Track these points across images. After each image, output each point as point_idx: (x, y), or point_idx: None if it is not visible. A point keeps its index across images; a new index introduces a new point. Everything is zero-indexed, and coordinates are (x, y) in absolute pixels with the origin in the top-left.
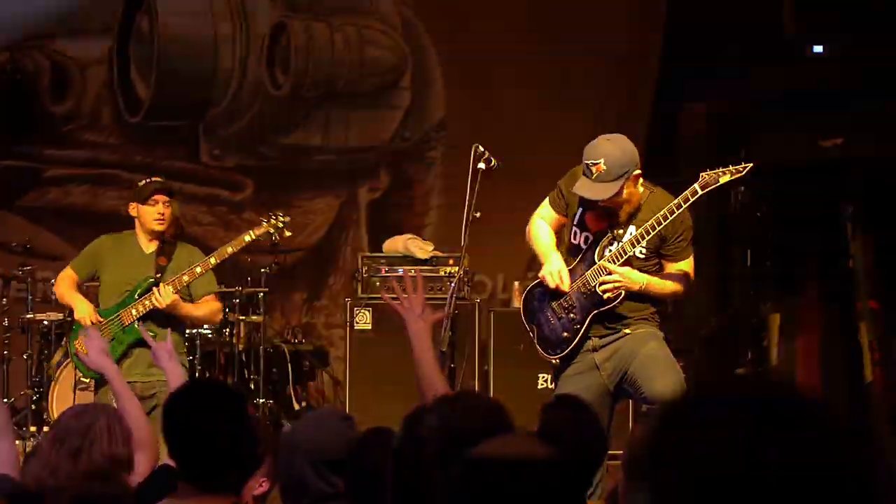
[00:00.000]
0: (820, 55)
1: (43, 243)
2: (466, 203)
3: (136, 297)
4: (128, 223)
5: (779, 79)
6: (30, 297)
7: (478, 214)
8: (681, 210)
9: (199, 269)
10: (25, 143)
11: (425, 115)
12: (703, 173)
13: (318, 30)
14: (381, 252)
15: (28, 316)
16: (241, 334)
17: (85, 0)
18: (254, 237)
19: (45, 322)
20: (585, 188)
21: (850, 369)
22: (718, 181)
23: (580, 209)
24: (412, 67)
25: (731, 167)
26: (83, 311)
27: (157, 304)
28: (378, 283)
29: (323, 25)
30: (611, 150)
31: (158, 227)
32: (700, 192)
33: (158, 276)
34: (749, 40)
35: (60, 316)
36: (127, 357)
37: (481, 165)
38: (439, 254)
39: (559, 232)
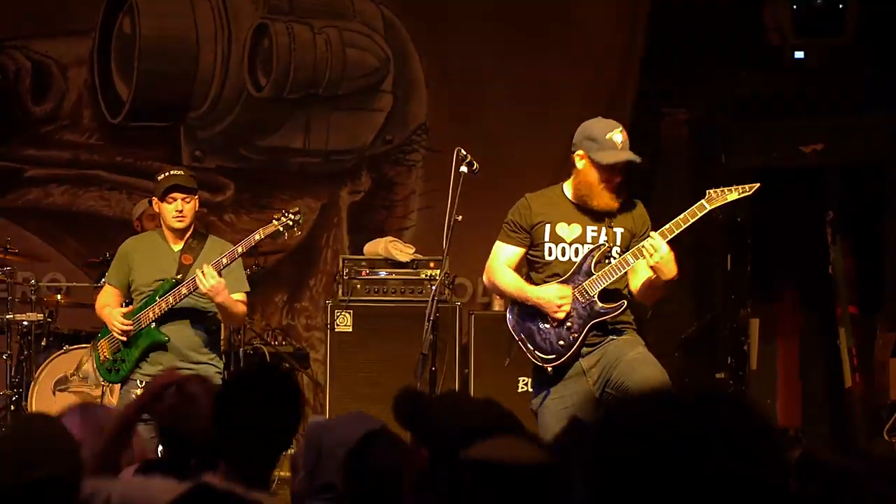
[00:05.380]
0: (801, 61)
1: (23, 243)
2: (448, 206)
3: (158, 298)
4: (111, 223)
5: (759, 84)
6: (10, 298)
7: (459, 218)
8: (688, 224)
9: (224, 261)
10: (6, 143)
11: (407, 117)
12: (710, 190)
13: (299, 32)
14: (363, 254)
15: (8, 316)
16: (222, 335)
17: (66, 0)
18: (263, 236)
19: (25, 322)
20: (626, 154)
21: (829, 374)
22: (726, 199)
23: (548, 224)
24: (394, 70)
25: (738, 186)
26: (111, 324)
27: (200, 286)
28: (359, 286)
29: (305, 28)
30: (619, 125)
31: (178, 225)
32: (707, 209)
33: (180, 276)
34: (730, 46)
35: (40, 317)
36: (145, 360)
37: (463, 169)
38: (420, 257)
39: (521, 267)
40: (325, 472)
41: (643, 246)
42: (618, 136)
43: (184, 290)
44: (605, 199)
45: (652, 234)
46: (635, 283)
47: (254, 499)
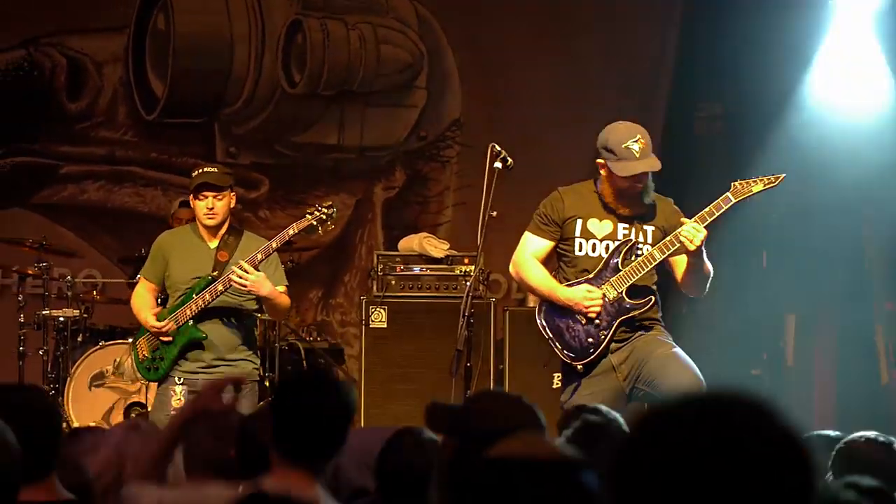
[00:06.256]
0: None
1: (58, 240)
2: (482, 202)
3: (195, 295)
4: (146, 219)
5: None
6: (46, 294)
7: (494, 213)
8: (713, 218)
9: (259, 256)
10: (41, 140)
11: (441, 113)
12: (735, 182)
13: (333, 28)
14: (397, 250)
15: (44, 312)
16: (257, 332)
17: None
18: (297, 231)
19: (61, 318)
20: (643, 165)
21: (865, 371)
22: (751, 191)
23: (580, 219)
24: (428, 66)
25: (764, 177)
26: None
27: (237, 282)
28: (393, 282)
29: (339, 24)
30: (641, 128)
31: (209, 223)
32: (733, 201)
33: (216, 273)
34: (765, 41)
35: (76, 313)
36: (183, 359)
37: (497, 164)
38: (455, 252)
39: (549, 260)
40: (351, 478)
41: (681, 232)
42: (635, 145)
43: (220, 287)
44: (628, 207)
45: (686, 220)
46: (679, 276)
47: (309, 499)
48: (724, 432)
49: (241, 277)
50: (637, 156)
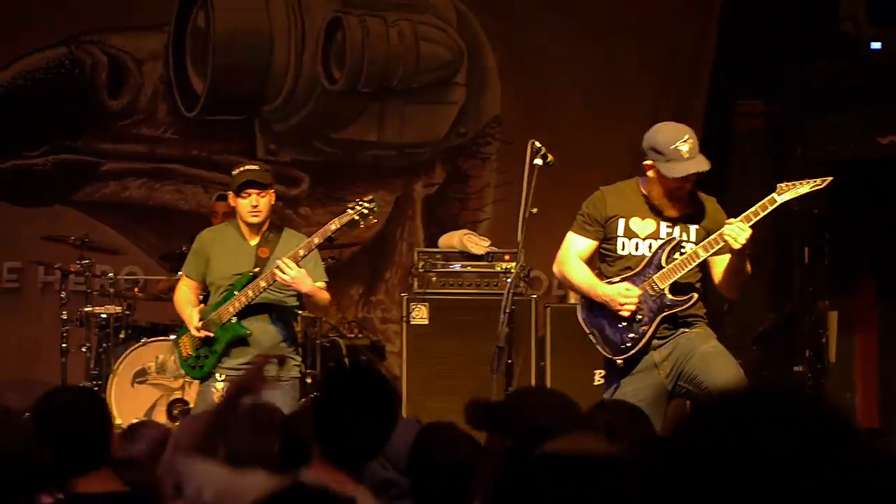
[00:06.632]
0: (877, 51)
1: (100, 237)
2: (523, 199)
3: (237, 292)
4: (187, 216)
5: (835, 75)
6: (88, 291)
7: (534, 210)
8: (758, 218)
9: (301, 252)
10: (82, 137)
11: (481, 110)
12: (781, 184)
13: (373, 25)
14: (437, 247)
15: (86, 309)
16: (298, 328)
17: None
18: (339, 226)
19: (104, 315)
20: (693, 165)
21: None
22: (797, 192)
23: (622, 219)
24: (467, 63)
25: (810, 179)
26: (192, 323)
27: (280, 278)
28: (434, 279)
29: (378, 21)
30: (688, 128)
31: (254, 220)
32: (778, 202)
33: (258, 269)
34: (805, 37)
35: (119, 309)
36: (227, 355)
37: (537, 161)
38: (495, 249)
39: (592, 260)
40: (375, 469)
41: (724, 231)
42: (684, 145)
43: (262, 284)
44: (674, 209)
45: (731, 220)
46: (717, 275)
47: (348, 496)
48: (776, 428)
49: (283, 273)
50: (686, 156)
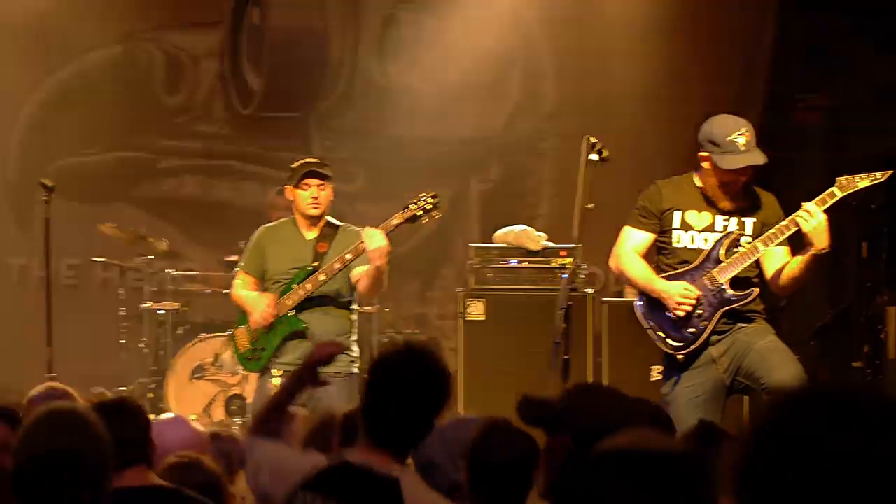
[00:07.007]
0: None
1: (158, 234)
2: (578, 194)
3: (295, 286)
4: (244, 213)
5: (893, 69)
6: (146, 287)
7: (590, 205)
8: (845, 193)
9: (363, 247)
10: (140, 134)
11: (536, 106)
12: (840, 178)
13: (427, 21)
14: (494, 243)
15: (144, 305)
16: (354, 322)
17: None
18: (402, 220)
19: (161, 311)
20: (748, 158)
21: None
22: (856, 186)
23: (678, 211)
24: (523, 58)
25: (870, 173)
26: (256, 312)
27: (368, 243)
28: (490, 275)
29: (433, 17)
30: (745, 121)
31: (313, 212)
32: (838, 196)
33: (316, 264)
34: (867, 29)
35: (176, 306)
36: (283, 348)
37: (593, 156)
38: (551, 245)
39: (649, 253)
40: (448, 471)
41: (798, 214)
42: (740, 138)
43: (321, 277)
44: (729, 202)
45: (805, 203)
46: (770, 273)
47: (392, 475)
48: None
49: (369, 239)
50: (742, 149)
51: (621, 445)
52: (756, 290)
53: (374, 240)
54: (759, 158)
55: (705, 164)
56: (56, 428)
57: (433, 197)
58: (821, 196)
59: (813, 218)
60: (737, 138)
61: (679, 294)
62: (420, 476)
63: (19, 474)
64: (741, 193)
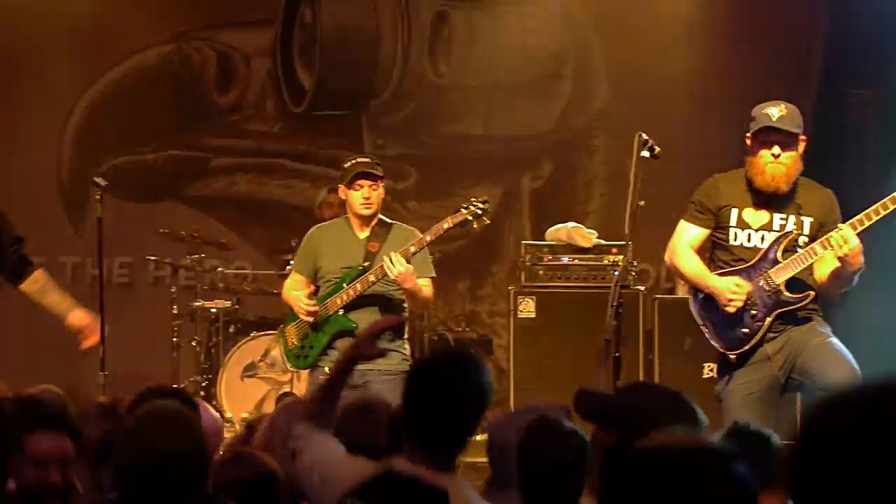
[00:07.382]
0: None
1: (209, 232)
2: (630, 191)
3: (345, 285)
4: (295, 211)
5: None
6: (198, 285)
7: (642, 203)
8: (879, 217)
9: (412, 248)
10: (192, 132)
11: (587, 103)
12: None
13: (479, 19)
14: (545, 240)
15: (196, 304)
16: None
17: None
18: (451, 225)
19: (213, 310)
20: (774, 122)
21: None
22: None
23: (735, 208)
24: (574, 55)
25: None
26: (296, 307)
27: (388, 272)
28: (542, 272)
29: (484, 14)
30: (790, 104)
31: (365, 212)
32: (891, 208)
33: (367, 263)
34: None
35: (228, 304)
36: (332, 348)
37: (644, 153)
38: (603, 242)
39: (704, 248)
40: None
41: (831, 237)
42: (773, 109)
43: (371, 278)
44: (765, 178)
45: (841, 225)
46: (821, 274)
47: (440, 484)
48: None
49: (391, 266)
50: (774, 119)
51: (652, 445)
52: (812, 293)
53: (394, 268)
54: (784, 123)
55: (748, 142)
56: (163, 429)
57: (484, 202)
58: (882, 201)
59: (846, 245)
60: (770, 109)
61: (729, 290)
62: (497, 460)
63: (123, 474)
64: (797, 190)
